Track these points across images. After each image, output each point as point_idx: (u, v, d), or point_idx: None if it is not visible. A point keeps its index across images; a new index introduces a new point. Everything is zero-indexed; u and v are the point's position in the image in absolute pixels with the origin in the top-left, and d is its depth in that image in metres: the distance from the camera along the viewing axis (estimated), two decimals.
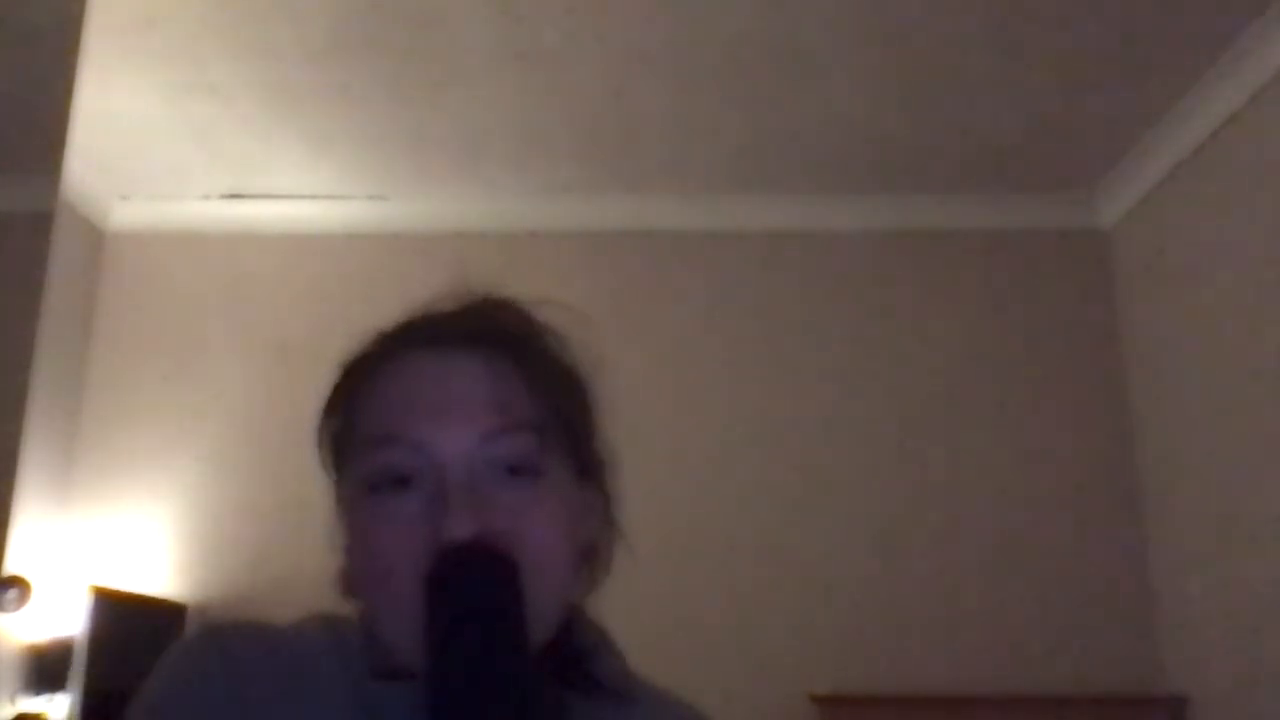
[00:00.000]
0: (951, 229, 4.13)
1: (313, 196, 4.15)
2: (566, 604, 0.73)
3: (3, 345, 1.95)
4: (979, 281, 4.12)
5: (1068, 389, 3.99)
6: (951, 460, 3.93)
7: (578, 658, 0.76)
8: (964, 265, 4.14)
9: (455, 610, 0.64)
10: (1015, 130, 3.68)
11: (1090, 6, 3.05)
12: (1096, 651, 3.73)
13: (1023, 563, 3.81)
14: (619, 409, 0.80)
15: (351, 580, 0.73)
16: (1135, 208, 3.91)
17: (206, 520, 3.92)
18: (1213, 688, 3.40)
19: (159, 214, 4.20)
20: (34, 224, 2.00)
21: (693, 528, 3.80)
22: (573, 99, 3.51)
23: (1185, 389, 3.59)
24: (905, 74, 3.36)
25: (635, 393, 3.62)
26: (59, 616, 3.45)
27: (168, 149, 3.85)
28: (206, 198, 4.18)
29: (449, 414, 0.70)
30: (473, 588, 0.65)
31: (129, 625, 3.50)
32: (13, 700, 3.39)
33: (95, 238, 4.15)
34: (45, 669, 3.40)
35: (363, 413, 0.73)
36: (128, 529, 3.90)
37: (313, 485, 0.77)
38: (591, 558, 0.76)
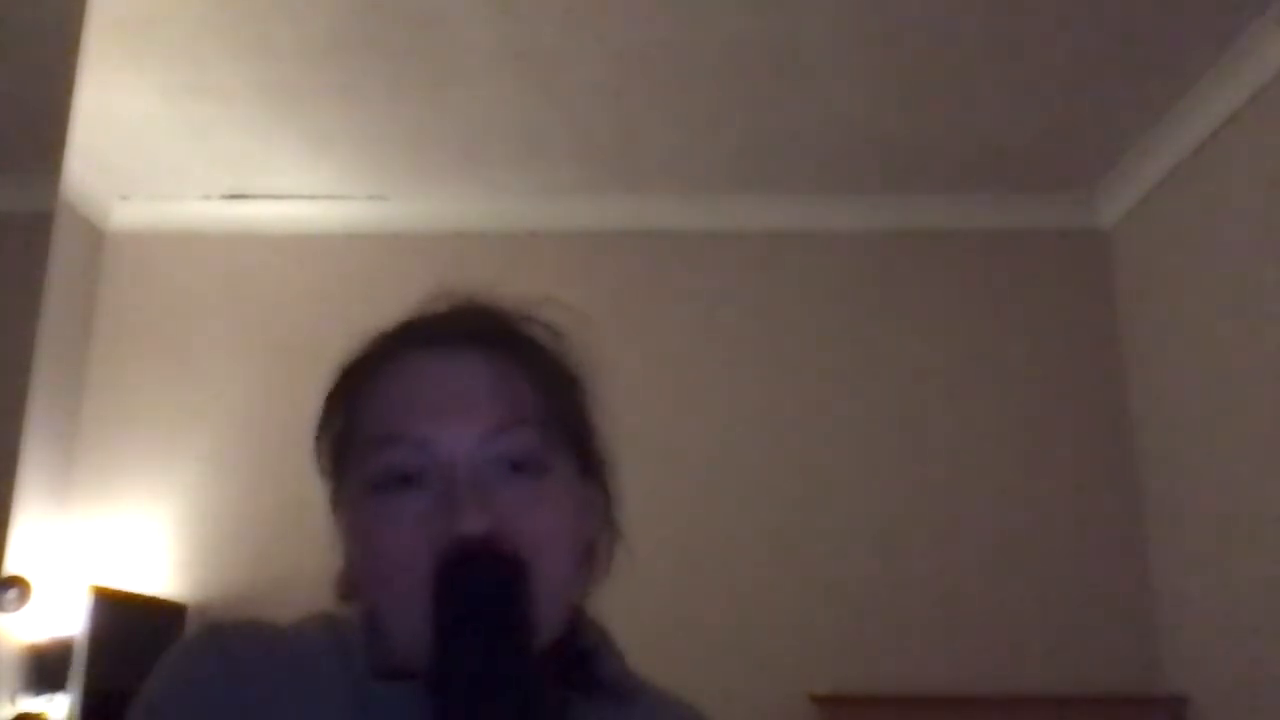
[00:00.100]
0: (952, 229, 4.13)
1: (313, 196, 4.15)
2: (570, 604, 0.74)
3: (3, 345, 1.95)
4: (979, 281, 4.12)
5: (1068, 389, 3.99)
6: (951, 460, 3.93)
7: (578, 658, 0.76)
8: (964, 265, 4.14)
9: (462, 609, 0.64)
10: (1015, 130, 3.68)
11: (1090, 6, 3.05)
12: (1096, 651, 3.73)
13: (1023, 563, 3.81)
14: (619, 409, 0.80)
15: (353, 581, 0.73)
16: (1135, 208, 3.91)
17: (206, 520, 3.92)
18: (1213, 688, 3.40)
19: (159, 214, 4.20)
20: (34, 224, 1.99)
21: (693, 528, 3.80)
22: (573, 99, 3.51)
23: (1185, 389, 3.59)
24: (905, 74, 3.36)
25: (635, 393, 3.64)
26: (59, 616, 3.45)
27: (168, 149, 3.85)
28: (206, 198, 4.18)
29: (451, 412, 0.70)
30: (481, 587, 0.65)
31: (129, 625, 3.50)
32: (13, 700, 3.39)
33: (95, 238, 4.15)
34: (45, 669, 3.40)
35: (364, 413, 0.73)
36: (128, 529, 3.90)
37: (313, 485, 0.77)
38: (592, 557, 0.76)
